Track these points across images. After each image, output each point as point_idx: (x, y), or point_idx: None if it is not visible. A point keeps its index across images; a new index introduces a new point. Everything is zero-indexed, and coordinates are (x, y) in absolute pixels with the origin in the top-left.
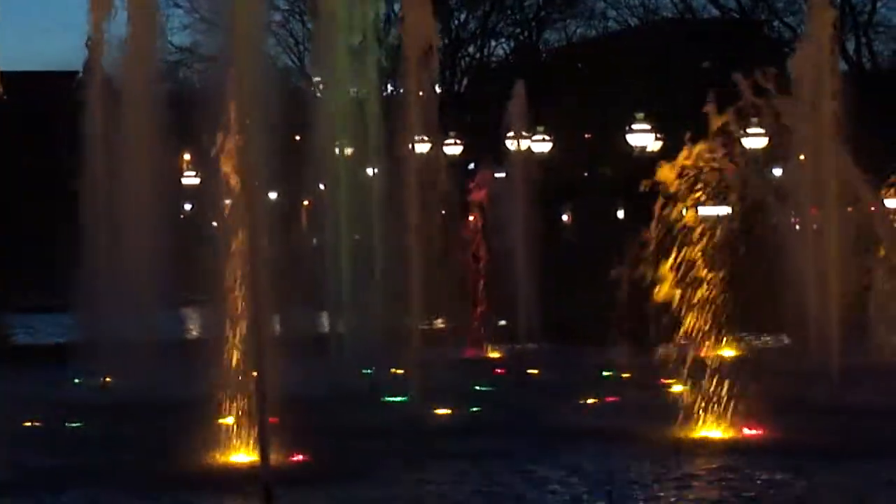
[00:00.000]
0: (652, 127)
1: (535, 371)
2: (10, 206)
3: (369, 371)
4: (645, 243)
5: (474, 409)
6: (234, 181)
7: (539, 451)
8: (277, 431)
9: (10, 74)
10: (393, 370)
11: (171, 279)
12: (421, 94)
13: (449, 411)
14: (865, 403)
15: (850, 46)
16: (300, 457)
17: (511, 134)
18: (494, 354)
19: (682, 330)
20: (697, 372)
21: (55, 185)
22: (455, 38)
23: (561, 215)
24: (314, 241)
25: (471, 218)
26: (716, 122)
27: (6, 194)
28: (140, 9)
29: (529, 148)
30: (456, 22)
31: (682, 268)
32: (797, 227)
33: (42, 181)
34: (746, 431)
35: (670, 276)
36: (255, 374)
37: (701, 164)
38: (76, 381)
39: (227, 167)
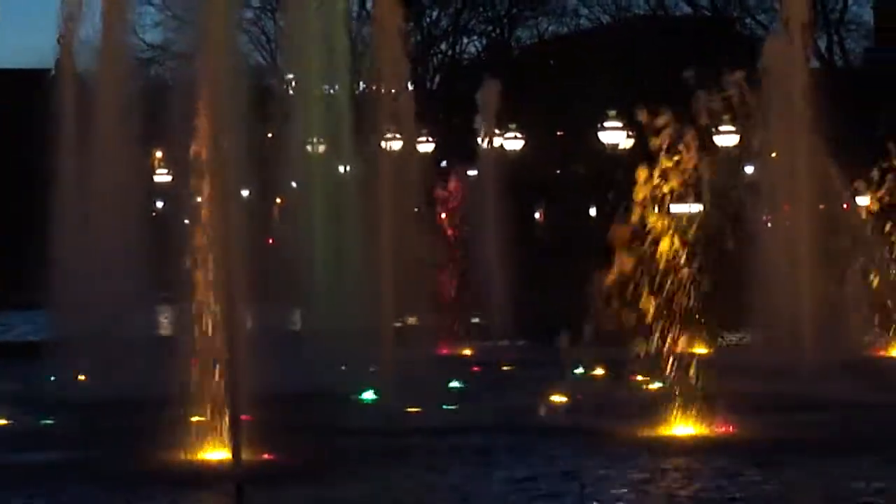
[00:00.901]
0: (623, 124)
1: (509, 368)
2: None
3: (342, 368)
4: (616, 241)
5: (448, 406)
6: (205, 179)
7: (512, 448)
8: (250, 429)
9: None
10: (366, 368)
11: (143, 277)
12: (393, 91)
13: (422, 409)
14: (838, 399)
15: (822, 45)
16: (272, 455)
17: (483, 132)
18: (468, 351)
19: (654, 328)
20: (669, 369)
21: (27, 182)
22: (427, 36)
23: (534, 213)
24: (286, 238)
25: (443, 216)
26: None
27: None
28: (111, 6)
29: (502, 146)
30: (428, 19)
31: (654, 265)
32: (769, 223)
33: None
34: (717, 429)
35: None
36: (227, 371)
37: (671, 162)
38: (49, 378)
39: (198, 165)
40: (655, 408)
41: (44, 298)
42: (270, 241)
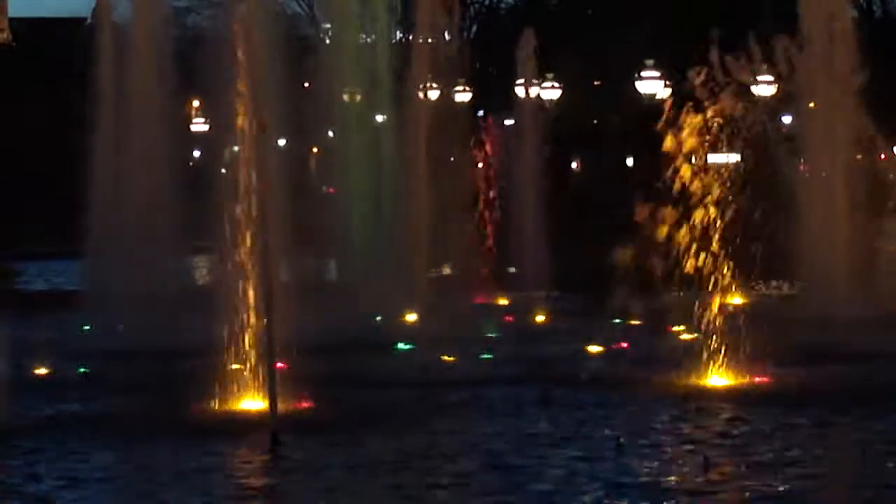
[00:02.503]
0: (661, 74)
1: (544, 318)
2: (21, 153)
3: (378, 318)
4: (654, 191)
5: (483, 356)
6: (242, 128)
7: (546, 399)
8: (285, 379)
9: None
10: (402, 317)
11: (180, 227)
12: (430, 40)
13: (457, 359)
14: (875, 351)
15: None
16: (308, 404)
17: (520, 81)
18: (503, 301)
19: (690, 278)
20: (706, 319)
21: (66, 131)
22: None
23: (570, 163)
24: (323, 187)
25: (479, 165)
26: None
27: (18, 142)
28: None
29: (539, 95)
30: None
31: (691, 216)
32: (806, 174)
33: (52, 128)
34: (754, 379)
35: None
36: (263, 320)
37: (710, 112)
38: (86, 328)
39: (235, 114)
40: (692, 358)
41: (80, 248)
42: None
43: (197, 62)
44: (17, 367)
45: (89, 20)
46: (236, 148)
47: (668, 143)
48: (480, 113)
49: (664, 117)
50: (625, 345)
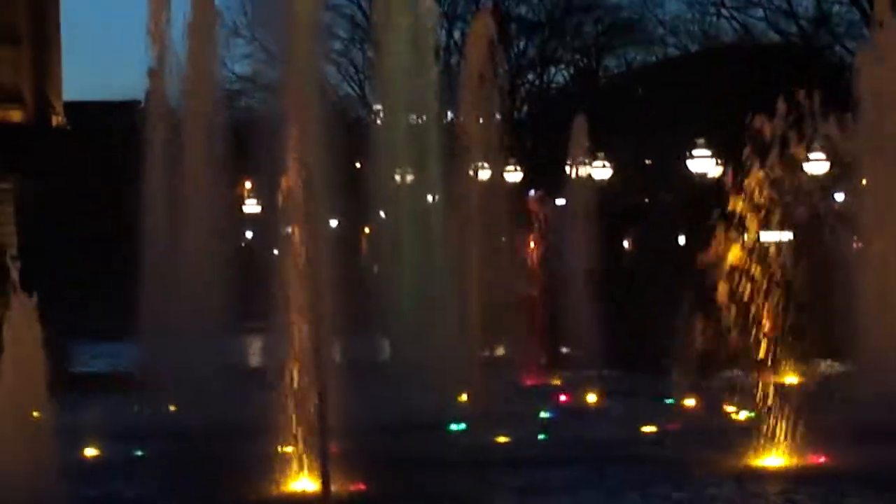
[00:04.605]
0: (713, 153)
1: (597, 398)
2: (73, 233)
3: (431, 398)
4: (706, 269)
5: (537, 437)
6: (294, 209)
7: (601, 480)
8: (338, 460)
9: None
10: (455, 397)
11: (232, 307)
12: (481, 121)
13: (511, 439)
14: None
15: None
16: (361, 486)
17: (571, 161)
18: (556, 381)
19: (744, 356)
20: (760, 399)
21: (117, 212)
22: (515, 65)
23: (622, 241)
24: (375, 268)
25: (531, 244)
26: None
27: (69, 222)
28: (200, 38)
29: (590, 175)
30: (516, 49)
31: (744, 294)
32: (859, 253)
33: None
34: (810, 459)
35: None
36: (316, 401)
37: (762, 189)
38: (138, 408)
39: (287, 195)
40: (746, 438)
41: (132, 328)
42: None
43: (249, 144)
44: (68, 448)
45: (143, 103)
46: (288, 229)
47: (720, 221)
48: (531, 192)
49: (716, 196)
50: (677, 425)
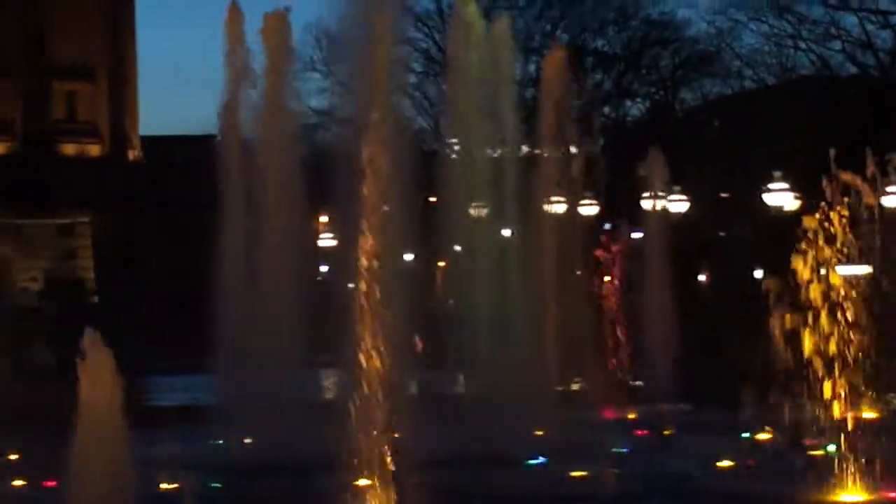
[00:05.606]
0: (790, 186)
1: (672, 432)
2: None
3: (507, 432)
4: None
5: (612, 471)
6: (369, 243)
7: None
8: (415, 493)
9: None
10: (531, 431)
11: (307, 340)
12: (557, 154)
13: (587, 473)
14: None
15: None
16: None
17: (647, 194)
18: (631, 415)
19: (822, 391)
20: (837, 433)
21: (195, 246)
22: (591, 99)
23: (698, 275)
24: (450, 301)
25: (606, 278)
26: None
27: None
28: (276, 73)
29: (665, 207)
30: (592, 82)
31: (822, 329)
32: None
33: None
34: (888, 494)
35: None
36: (392, 435)
37: (840, 223)
38: (213, 441)
39: (362, 229)
40: (824, 472)
41: (207, 361)
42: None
43: (325, 178)
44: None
45: (218, 137)
46: (363, 263)
47: (797, 254)
48: (607, 225)
49: (793, 229)
50: (753, 460)
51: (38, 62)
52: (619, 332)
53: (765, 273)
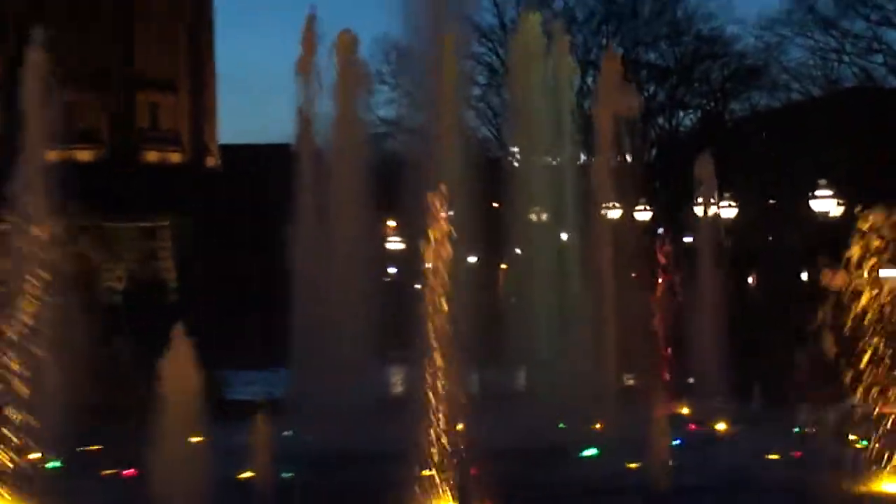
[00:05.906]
0: (834, 193)
1: (725, 427)
2: (226, 268)
3: (562, 425)
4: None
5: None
6: (436, 246)
7: None
8: (476, 485)
9: (228, 147)
10: (588, 425)
11: (376, 338)
12: (613, 162)
13: (641, 465)
14: None
15: None
16: None
17: (698, 201)
18: (685, 410)
19: (867, 387)
20: (881, 428)
21: (269, 250)
22: (645, 110)
23: (747, 278)
24: (511, 301)
25: (660, 280)
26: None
27: (223, 258)
28: (347, 85)
29: (716, 214)
30: (646, 94)
31: (867, 328)
32: None
33: (257, 248)
34: None
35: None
36: (456, 428)
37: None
38: (286, 434)
39: (430, 232)
40: (869, 464)
41: (283, 358)
42: None
43: (393, 184)
44: (223, 470)
45: (293, 146)
46: (429, 265)
47: (843, 259)
48: (660, 231)
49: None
50: (802, 453)
51: (125, 75)
52: (671, 331)
53: (810, 277)
